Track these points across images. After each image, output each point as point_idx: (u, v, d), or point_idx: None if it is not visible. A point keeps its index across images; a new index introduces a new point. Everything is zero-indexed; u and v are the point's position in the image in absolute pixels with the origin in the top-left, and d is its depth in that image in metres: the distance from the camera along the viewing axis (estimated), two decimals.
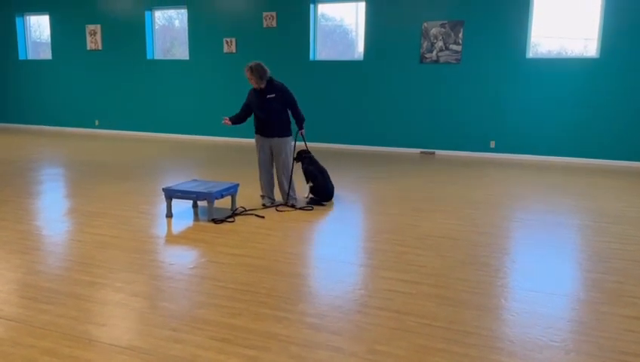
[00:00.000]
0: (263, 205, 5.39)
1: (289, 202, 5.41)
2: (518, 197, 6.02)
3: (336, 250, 4.06)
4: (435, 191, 6.27)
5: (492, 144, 9.31)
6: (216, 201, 5.18)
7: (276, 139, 5.35)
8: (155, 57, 11.74)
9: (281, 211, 5.20)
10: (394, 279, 3.46)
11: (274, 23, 10.38)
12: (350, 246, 4.17)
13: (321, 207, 5.40)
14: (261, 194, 5.52)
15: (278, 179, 5.47)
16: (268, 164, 5.46)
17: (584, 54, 8.82)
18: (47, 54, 12.89)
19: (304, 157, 5.61)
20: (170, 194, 4.90)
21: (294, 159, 5.55)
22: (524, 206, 5.58)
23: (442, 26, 9.24)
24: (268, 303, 3.06)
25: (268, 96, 5.23)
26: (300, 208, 5.31)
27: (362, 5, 9.95)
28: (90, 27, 11.97)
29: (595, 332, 2.76)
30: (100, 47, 12.01)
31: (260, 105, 5.27)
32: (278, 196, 5.62)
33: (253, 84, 5.21)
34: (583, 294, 3.26)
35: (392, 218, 5.02)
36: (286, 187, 5.42)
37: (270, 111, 5.26)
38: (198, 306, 3.00)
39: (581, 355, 2.52)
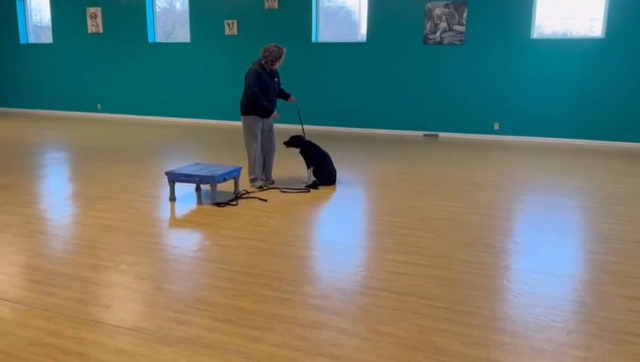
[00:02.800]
0: (260, 187, 5.44)
1: (272, 181, 5.67)
2: (522, 179, 6.01)
3: (338, 232, 4.07)
4: (437, 174, 6.26)
5: (496, 126, 9.26)
6: (219, 185, 5.19)
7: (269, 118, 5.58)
8: (157, 40, 11.67)
9: (285, 192, 5.21)
10: (396, 261, 3.47)
11: (276, 5, 10.27)
12: (352, 228, 4.18)
13: (324, 191, 5.40)
14: (252, 177, 5.51)
15: (266, 157, 5.61)
16: (262, 145, 5.59)
17: (589, 35, 8.72)
18: (48, 38, 12.83)
19: (303, 142, 5.62)
20: (173, 177, 4.91)
21: (288, 144, 5.68)
22: (527, 188, 5.57)
23: (446, 6, 9.14)
24: (271, 285, 3.08)
25: (275, 79, 5.50)
26: (298, 190, 5.33)
27: None
28: (90, 10, 11.89)
29: (596, 313, 2.77)
30: (100, 31, 11.94)
31: (273, 87, 5.47)
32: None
33: (278, 65, 5.39)
34: (584, 275, 3.27)
35: (394, 200, 5.02)
36: (272, 165, 5.68)
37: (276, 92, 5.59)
38: (202, 288, 3.03)
39: (582, 335, 2.54)
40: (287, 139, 5.68)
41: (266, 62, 5.31)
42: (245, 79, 5.35)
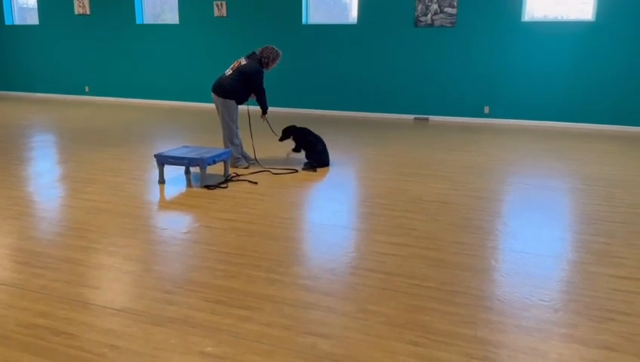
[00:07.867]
0: (247, 167, 5.53)
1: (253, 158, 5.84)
2: (511, 161, 6.04)
3: (328, 214, 4.08)
4: (428, 157, 6.27)
5: (486, 109, 9.27)
6: (208, 167, 5.16)
7: None
8: (145, 22, 11.51)
9: (276, 174, 5.21)
10: (385, 242, 3.49)
11: None
12: (342, 210, 4.19)
13: (315, 173, 5.40)
14: (236, 156, 5.54)
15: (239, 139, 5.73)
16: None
17: (580, 17, 8.71)
18: (34, 19, 12.60)
19: (290, 131, 5.77)
20: (163, 160, 4.88)
21: (282, 139, 5.86)
22: (516, 170, 5.60)
23: None
24: (261, 266, 3.09)
25: None
26: (290, 170, 5.33)
27: None
28: None
29: (582, 292, 2.81)
30: (87, 12, 11.74)
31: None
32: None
33: (273, 67, 5.58)
34: (571, 255, 3.31)
35: (384, 183, 5.03)
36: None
37: None
38: (192, 269, 3.03)
39: (569, 313, 2.57)
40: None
41: (266, 63, 5.46)
42: (249, 74, 5.37)
